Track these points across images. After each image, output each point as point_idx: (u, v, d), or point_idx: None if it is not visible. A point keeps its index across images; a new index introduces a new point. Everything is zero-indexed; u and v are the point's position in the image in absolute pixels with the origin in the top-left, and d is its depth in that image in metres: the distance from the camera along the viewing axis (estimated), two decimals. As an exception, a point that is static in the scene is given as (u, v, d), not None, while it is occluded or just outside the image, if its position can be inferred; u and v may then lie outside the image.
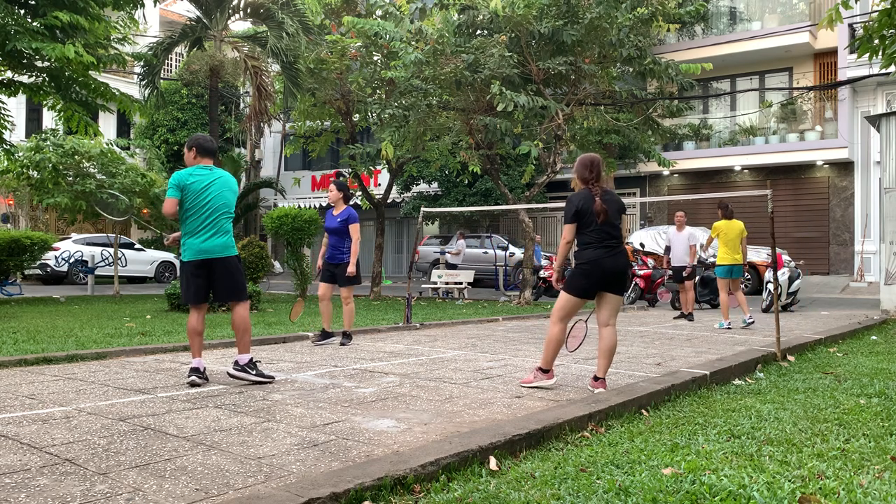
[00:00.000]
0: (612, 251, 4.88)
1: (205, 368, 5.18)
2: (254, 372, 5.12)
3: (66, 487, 2.81)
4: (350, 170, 18.09)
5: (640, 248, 17.26)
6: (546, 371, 5.08)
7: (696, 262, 11.49)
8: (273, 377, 5.25)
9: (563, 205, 5.30)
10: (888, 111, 15.95)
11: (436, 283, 17.06)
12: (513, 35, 13.20)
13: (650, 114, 15.01)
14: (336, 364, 6.23)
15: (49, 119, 21.89)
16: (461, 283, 16.61)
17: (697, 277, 13.00)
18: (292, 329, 8.67)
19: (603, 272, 4.85)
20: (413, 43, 13.69)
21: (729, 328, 9.88)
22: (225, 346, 7.13)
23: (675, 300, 13.51)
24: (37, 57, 11.26)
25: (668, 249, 11.74)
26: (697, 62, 14.46)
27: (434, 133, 15.42)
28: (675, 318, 11.62)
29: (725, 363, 5.95)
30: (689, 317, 11.28)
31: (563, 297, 4.98)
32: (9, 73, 12.19)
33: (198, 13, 16.38)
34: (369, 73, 15.88)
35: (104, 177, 15.01)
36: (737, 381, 5.55)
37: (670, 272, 12.02)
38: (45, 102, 12.93)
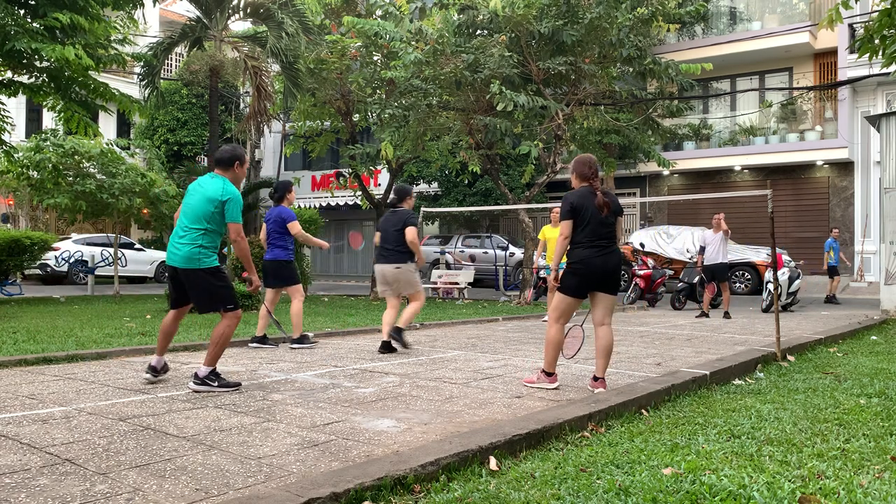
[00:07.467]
0: (602, 251, 4.87)
1: (163, 366, 5.21)
2: (215, 383, 4.88)
3: (66, 487, 2.81)
4: (350, 170, 18.08)
5: (640, 248, 17.26)
6: (550, 374, 5.07)
7: (727, 262, 11.88)
8: (239, 384, 5.01)
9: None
10: (888, 111, 15.95)
11: (436, 283, 17.04)
12: (513, 35, 13.19)
13: (650, 114, 15.00)
14: (336, 364, 6.23)
15: (49, 119, 21.87)
16: (461, 283, 16.60)
17: (697, 278, 13.13)
18: (291, 328, 8.64)
19: (593, 272, 4.85)
20: (413, 43, 13.67)
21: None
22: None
23: (675, 300, 13.56)
24: (36, 57, 11.26)
25: (702, 249, 11.98)
26: (697, 62, 14.45)
27: (434, 133, 15.40)
28: (697, 316, 11.87)
29: (725, 363, 5.95)
30: (727, 315, 11.56)
31: (558, 296, 5.00)
32: (9, 74, 12.19)
33: (198, 13, 16.36)
34: (369, 73, 15.86)
35: (104, 177, 15.01)
36: (737, 381, 5.55)
37: (684, 275, 12.29)
38: (45, 103, 12.91)
